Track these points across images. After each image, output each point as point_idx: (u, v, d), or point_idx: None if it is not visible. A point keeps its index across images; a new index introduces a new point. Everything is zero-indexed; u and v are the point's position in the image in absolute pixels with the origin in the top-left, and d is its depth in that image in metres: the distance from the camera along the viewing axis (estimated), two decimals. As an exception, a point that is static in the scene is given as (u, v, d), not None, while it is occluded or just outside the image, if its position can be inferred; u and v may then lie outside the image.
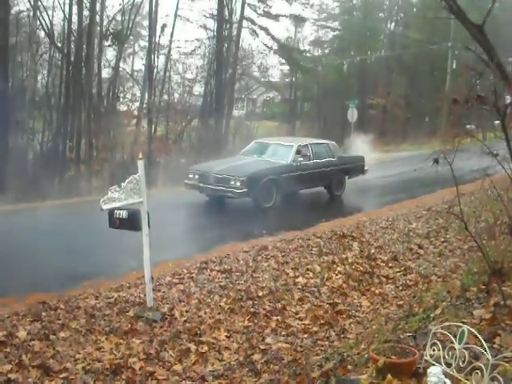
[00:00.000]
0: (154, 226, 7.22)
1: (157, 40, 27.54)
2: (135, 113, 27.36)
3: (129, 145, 24.36)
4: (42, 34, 27.13)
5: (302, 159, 14.98)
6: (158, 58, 28.03)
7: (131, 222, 6.84)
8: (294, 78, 41.64)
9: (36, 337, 6.31)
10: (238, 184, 13.42)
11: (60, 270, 8.93)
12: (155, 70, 27.05)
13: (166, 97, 27.45)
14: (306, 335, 6.91)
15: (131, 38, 31.99)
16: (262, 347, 6.42)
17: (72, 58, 23.91)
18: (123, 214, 6.80)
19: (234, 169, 14.22)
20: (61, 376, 5.52)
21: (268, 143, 16.04)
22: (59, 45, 26.36)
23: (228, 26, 28.66)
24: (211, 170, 14.33)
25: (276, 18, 34.93)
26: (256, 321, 7.18)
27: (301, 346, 6.56)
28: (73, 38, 24.50)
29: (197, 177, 14.43)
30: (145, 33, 34.46)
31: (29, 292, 7.83)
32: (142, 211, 6.85)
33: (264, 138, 18.12)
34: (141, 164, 6.84)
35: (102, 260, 9.48)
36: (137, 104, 27.86)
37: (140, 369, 5.74)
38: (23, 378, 5.43)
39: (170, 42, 28.31)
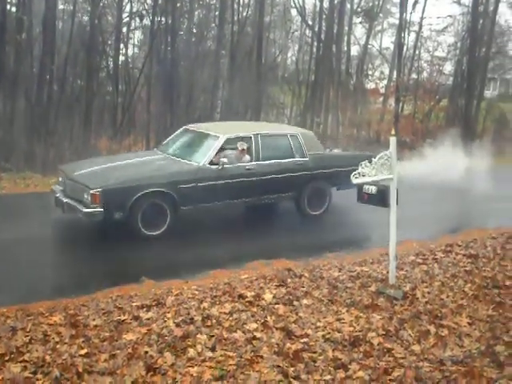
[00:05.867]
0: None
1: (407, 17, 26.97)
2: (382, 91, 27.24)
3: (375, 123, 24.36)
4: (294, 12, 28.05)
5: (225, 160, 9.70)
6: (408, 35, 27.49)
7: (379, 198, 6.82)
8: (556, 58, 38.14)
9: (281, 301, 6.62)
10: (89, 199, 8.69)
11: (306, 240, 9.40)
12: (404, 48, 26.54)
13: (414, 75, 26.90)
14: (558, 332, 6.39)
15: (380, 15, 31.73)
16: (506, 339, 6.04)
17: (322, 36, 24.31)
18: (372, 189, 6.80)
19: (99, 173, 9.40)
20: (301, 341, 5.68)
21: (193, 132, 10.95)
22: (310, 23, 26.99)
23: (485, 0, 27.20)
24: (71, 172, 9.63)
25: (539, -10, 32.23)
26: (501, 311, 6.78)
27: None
28: (324, 16, 24.87)
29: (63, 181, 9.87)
30: (395, 10, 33.95)
31: (275, 258, 8.29)
32: (391, 188, 6.79)
33: (198, 123, 12.54)
34: (393, 140, 6.75)
35: (345, 234, 9.72)
36: (384, 82, 27.69)
37: (378, 344, 5.71)
38: (267, 338, 5.70)
39: (421, 18, 27.50)
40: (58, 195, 9.48)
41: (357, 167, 10.46)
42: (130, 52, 24.95)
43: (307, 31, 28.21)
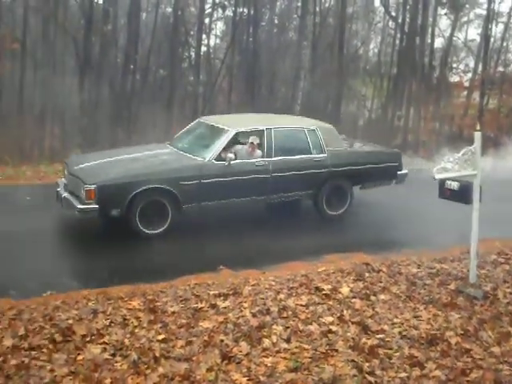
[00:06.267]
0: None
1: (495, 7, 26.04)
2: (466, 84, 26.48)
3: (458, 117, 23.74)
4: (377, 2, 27.61)
5: (232, 155, 9.02)
6: (495, 26, 26.58)
7: (462, 195, 6.65)
8: None
9: (358, 295, 6.59)
10: (84, 195, 8.21)
11: (382, 235, 9.34)
12: (491, 40, 25.72)
13: (501, 68, 26.02)
14: None
15: (467, 5, 30.82)
16: None
17: (406, 27, 23.84)
18: (454, 185, 6.63)
19: (97, 168, 8.95)
20: (377, 336, 5.64)
21: (205, 124, 10.24)
22: (393, 14, 26.52)
23: None
24: (73, 165, 9.18)
25: None
26: None
27: None
28: (408, 7, 24.38)
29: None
30: (482, 0, 32.93)
31: (353, 251, 8.27)
32: (474, 184, 6.62)
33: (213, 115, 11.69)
34: (477, 135, 6.56)
35: (424, 230, 9.55)
36: (469, 75, 26.90)
37: (456, 344, 5.59)
38: (343, 332, 5.69)
39: (511, 9, 26.67)
40: (59, 189, 9.07)
41: (382, 164, 10.33)
42: (211, 42, 25.21)
43: (390, 23, 27.69)
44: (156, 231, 8.61)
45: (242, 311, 6.01)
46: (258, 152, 9.38)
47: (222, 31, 27.50)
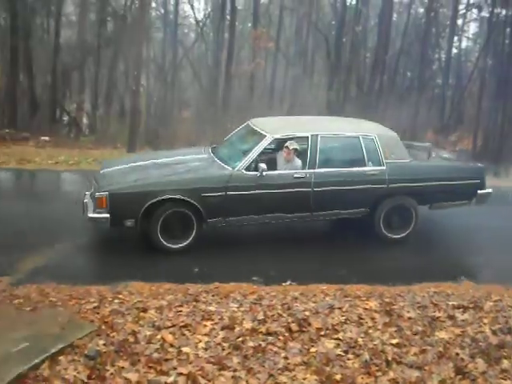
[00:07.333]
0: None
1: None
2: None
3: None
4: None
5: (264, 166, 7.65)
6: None
7: None
8: None
9: None
10: (96, 203, 7.46)
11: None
12: None
13: None
14: None
15: None
16: None
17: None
18: None
19: (116, 174, 8.24)
20: None
21: (249, 128, 8.78)
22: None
23: None
24: (102, 167, 8.72)
25: None
26: None
27: None
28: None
29: None
30: None
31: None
32: None
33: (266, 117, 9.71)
34: None
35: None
36: None
37: None
38: None
39: None
40: (86, 193, 8.26)
41: (457, 181, 8.62)
42: (463, 45, 24.46)
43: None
44: (178, 246, 7.73)
45: (481, 326, 5.78)
46: (297, 161, 8.13)
47: (474, 33, 26.54)
